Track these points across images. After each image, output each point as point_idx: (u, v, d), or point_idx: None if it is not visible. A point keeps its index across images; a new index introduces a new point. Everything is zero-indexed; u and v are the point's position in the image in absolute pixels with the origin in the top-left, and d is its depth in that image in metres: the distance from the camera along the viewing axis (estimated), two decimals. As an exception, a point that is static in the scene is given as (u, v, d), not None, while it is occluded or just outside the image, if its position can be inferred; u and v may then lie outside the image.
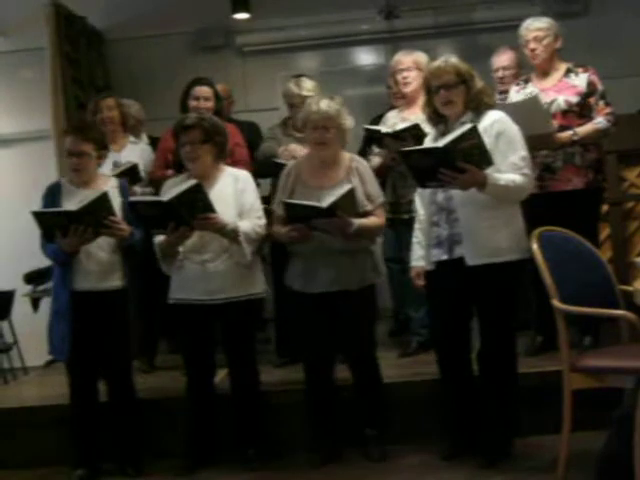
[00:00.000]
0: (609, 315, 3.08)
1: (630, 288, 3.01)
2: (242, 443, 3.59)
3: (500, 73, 4.52)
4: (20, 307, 5.95)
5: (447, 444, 3.41)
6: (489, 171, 3.08)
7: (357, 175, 3.46)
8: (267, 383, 3.77)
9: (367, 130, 4.19)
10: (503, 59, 4.53)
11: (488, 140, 3.09)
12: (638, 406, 1.23)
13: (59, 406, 3.69)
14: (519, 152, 3.18)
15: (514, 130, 3.22)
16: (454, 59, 3.27)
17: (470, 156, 3.03)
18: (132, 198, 3.49)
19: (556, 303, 2.97)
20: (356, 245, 3.41)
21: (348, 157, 3.54)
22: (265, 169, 4.17)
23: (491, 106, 3.26)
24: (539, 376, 3.60)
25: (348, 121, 3.46)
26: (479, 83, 3.25)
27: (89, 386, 3.59)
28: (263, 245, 3.96)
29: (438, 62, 3.28)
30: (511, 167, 3.14)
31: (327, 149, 3.45)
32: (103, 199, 3.38)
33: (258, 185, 4.44)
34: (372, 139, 4.14)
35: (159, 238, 3.46)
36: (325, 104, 3.41)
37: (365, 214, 3.42)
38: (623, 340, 3.15)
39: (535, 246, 3.06)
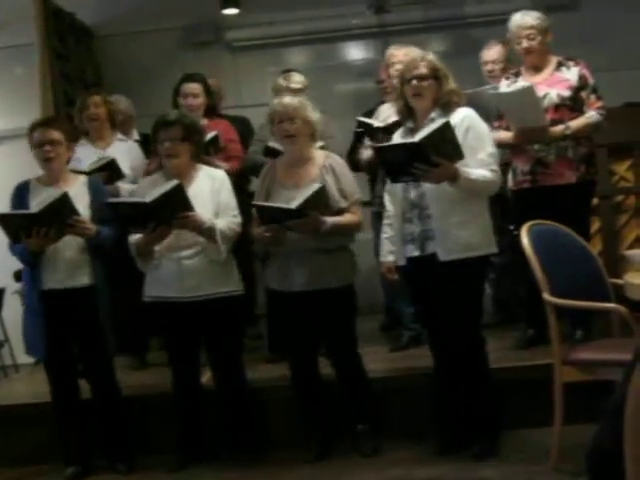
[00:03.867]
0: (600, 308, 3.09)
1: (620, 281, 3.02)
2: (232, 439, 3.59)
3: (489, 67, 4.52)
4: (10, 304, 5.92)
5: (438, 438, 3.42)
6: (458, 165, 3.12)
7: (331, 172, 3.45)
8: (258, 379, 3.77)
9: (359, 122, 4.18)
10: (492, 53, 4.53)
11: (458, 136, 3.13)
12: (628, 398, 1.23)
13: (50, 403, 3.68)
14: (487, 149, 3.22)
15: (483, 127, 3.27)
16: (432, 56, 3.30)
17: (443, 150, 3.06)
18: (113, 199, 3.47)
19: (547, 296, 2.98)
20: (332, 243, 3.41)
21: (323, 155, 3.54)
22: (253, 172, 4.18)
23: (460, 106, 3.28)
24: (530, 369, 3.62)
25: (314, 114, 3.47)
26: (452, 84, 3.27)
27: (68, 383, 3.59)
28: (254, 242, 3.95)
29: (415, 55, 3.31)
30: (479, 163, 3.18)
31: (296, 142, 3.45)
32: (63, 200, 3.35)
33: (249, 181, 4.47)
34: (364, 132, 4.13)
35: (134, 237, 3.44)
36: (288, 98, 3.47)
37: (340, 211, 3.41)
38: (614, 333, 3.17)
39: (526, 240, 3.06)
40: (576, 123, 3.78)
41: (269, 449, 3.62)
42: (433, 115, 3.24)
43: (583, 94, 3.83)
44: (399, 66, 4.11)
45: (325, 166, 3.47)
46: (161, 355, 4.50)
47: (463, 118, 3.21)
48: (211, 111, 4.33)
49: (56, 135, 3.49)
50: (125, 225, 3.42)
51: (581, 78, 3.83)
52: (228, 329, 3.54)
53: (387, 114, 4.13)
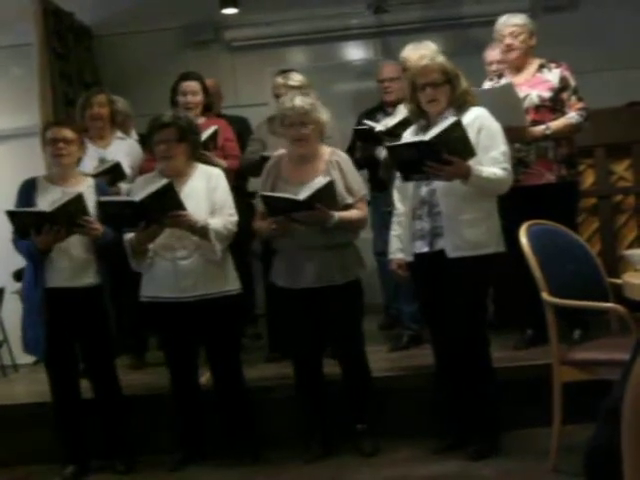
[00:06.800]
0: (598, 308, 3.10)
1: (619, 281, 3.03)
2: (231, 439, 3.59)
3: (494, 67, 4.50)
4: (10, 304, 5.92)
5: (438, 438, 3.42)
6: (471, 163, 3.12)
7: (337, 168, 3.46)
8: (258, 378, 3.78)
9: (359, 127, 4.17)
10: (497, 53, 4.51)
11: (470, 135, 3.13)
12: (625, 398, 1.23)
13: (50, 403, 3.68)
14: (500, 147, 3.22)
15: (495, 126, 3.27)
16: (441, 58, 3.31)
17: (454, 148, 3.08)
18: (102, 198, 3.48)
19: (546, 296, 2.98)
20: (339, 239, 3.42)
21: (328, 151, 3.53)
22: (250, 171, 4.17)
23: (474, 105, 3.28)
24: (529, 369, 3.62)
25: (324, 115, 3.46)
26: (464, 83, 3.28)
27: (69, 383, 3.59)
28: (253, 241, 3.95)
29: (425, 60, 3.30)
30: (492, 161, 3.18)
31: (307, 145, 3.44)
32: (77, 200, 3.38)
33: (247, 180, 4.47)
34: (368, 136, 4.11)
35: (129, 235, 3.44)
36: (299, 100, 3.41)
37: (346, 207, 3.42)
38: (612, 332, 3.18)
39: (524, 240, 3.07)
40: (556, 124, 3.82)
41: (268, 448, 3.62)
42: (446, 114, 3.23)
43: (564, 95, 3.87)
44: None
45: (331, 162, 3.47)
46: (160, 355, 4.51)
47: (475, 118, 3.22)
48: (208, 109, 4.34)
49: (70, 134, 3.53)
50: (117, 224, 3.42)
51: (562, 80, 3.87)
52: (226, 328, 3.54)
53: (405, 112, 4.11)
